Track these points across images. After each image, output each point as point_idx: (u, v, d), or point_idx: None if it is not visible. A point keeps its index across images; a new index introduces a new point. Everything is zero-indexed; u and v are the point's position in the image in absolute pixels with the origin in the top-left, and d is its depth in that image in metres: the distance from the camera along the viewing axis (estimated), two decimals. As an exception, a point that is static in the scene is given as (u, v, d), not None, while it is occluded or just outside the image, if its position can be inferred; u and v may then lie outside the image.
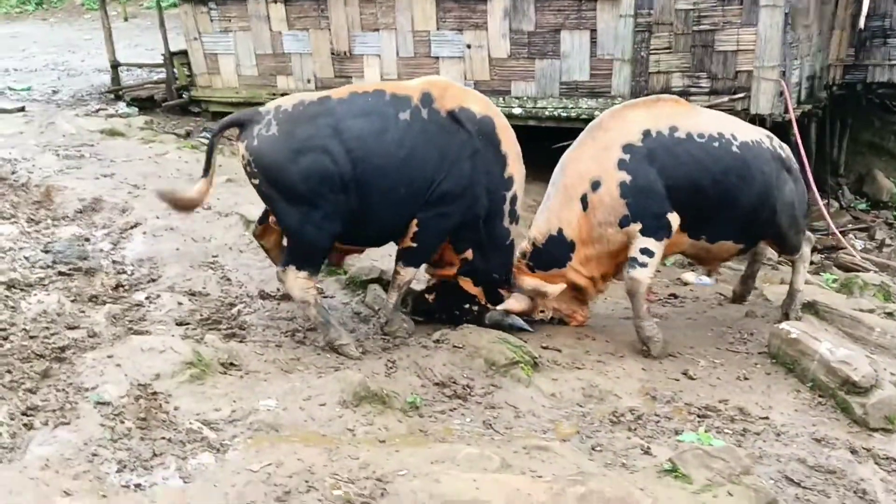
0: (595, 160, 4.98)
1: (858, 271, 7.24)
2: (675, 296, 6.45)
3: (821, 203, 7.13)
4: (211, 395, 3.88)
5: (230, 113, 10.37)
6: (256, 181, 4.48)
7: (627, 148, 4.93)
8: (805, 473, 3.75)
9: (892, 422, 4.26)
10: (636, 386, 4.64)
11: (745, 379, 4.79)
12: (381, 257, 6.27)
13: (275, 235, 4.95)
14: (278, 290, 5.24)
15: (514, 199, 4.98)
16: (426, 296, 5.37)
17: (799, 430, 4.17)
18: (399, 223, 4.75)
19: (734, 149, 5.04)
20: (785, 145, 5.55)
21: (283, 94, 9.70)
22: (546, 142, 7.65)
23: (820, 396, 4.54)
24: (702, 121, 5.13)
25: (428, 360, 4.64)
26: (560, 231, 5.06)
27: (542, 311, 5.39)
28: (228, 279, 5.51)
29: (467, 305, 5.25)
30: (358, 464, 3.31)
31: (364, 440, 3.64)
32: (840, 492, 3.66)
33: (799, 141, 7.70)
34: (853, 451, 3.98)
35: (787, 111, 7.79)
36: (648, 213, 4.93)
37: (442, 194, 4.68)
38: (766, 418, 4.30)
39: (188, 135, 9.79)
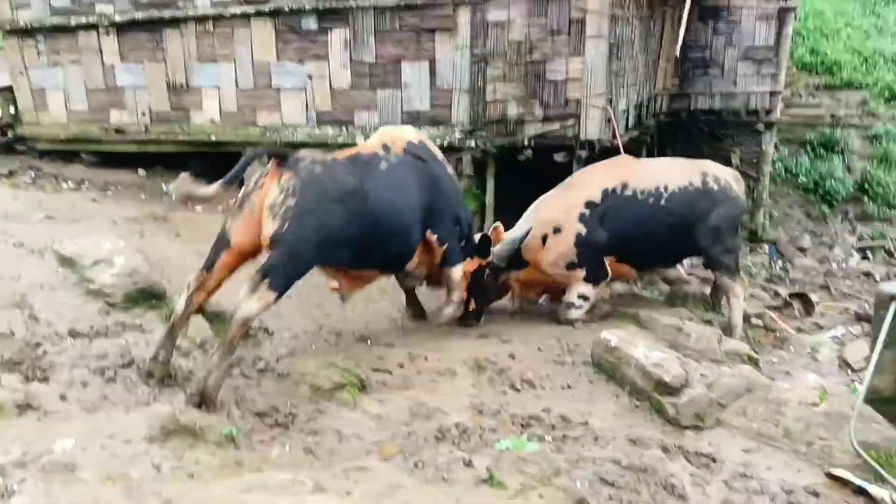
0: (564, 211, 6.37)
1: (683, 285, 7.63)
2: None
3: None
4: (1, 439, 3.58)
5: (59, 151, 10.26)
6: (291, 202, 4.68)
7: (590, 205, 6.38)
8: (619, 473, 3.85)
9: (702, 419, 4.48)
10: (464, 402, 4.67)
11: (569, 388, 4.93)
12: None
13: (205, 294, 4.85)
14: (92, 327, 4.96)
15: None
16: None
17: (616, 433, 4.30)
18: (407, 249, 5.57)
19: (662, 202, 6.44)
20: (719, 176, 6.76)
21: (116, 130, 9.68)
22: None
23: (637, 400, 4.74)
24: (645, 176, 6.56)
25: (249, 389, 4.52)
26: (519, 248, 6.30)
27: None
28: (36, 318, 5.15)
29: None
30: (160, 500, 3.13)
31: (171, 476, 3.46)
32: (651, 488, 3.78)
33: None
34: (665, 450, 4.14)
35: (614, 137, 8.20)
36: (590, 263, 6.36)
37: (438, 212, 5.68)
38: (586, 423, 4.41)
39: (11, 174, 9.22)
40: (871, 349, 4.54)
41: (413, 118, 8.39)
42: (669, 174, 6.62)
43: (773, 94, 11.29)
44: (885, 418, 4.46)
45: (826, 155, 14.26)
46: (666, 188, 6.48)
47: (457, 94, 8.30)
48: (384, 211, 5.18)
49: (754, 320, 7.29)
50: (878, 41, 18.47)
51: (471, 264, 6.11)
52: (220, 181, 4.75)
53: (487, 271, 6.27)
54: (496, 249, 6.23)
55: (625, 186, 6.44)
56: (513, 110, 8.18)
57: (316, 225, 4.75)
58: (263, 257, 4.65)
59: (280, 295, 4.60)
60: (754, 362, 5.73)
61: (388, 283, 7.36)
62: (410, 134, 5.80)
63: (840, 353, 6.31)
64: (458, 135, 8.30)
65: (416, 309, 6.39)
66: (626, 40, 8.67)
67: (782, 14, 11.25)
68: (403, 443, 4.10)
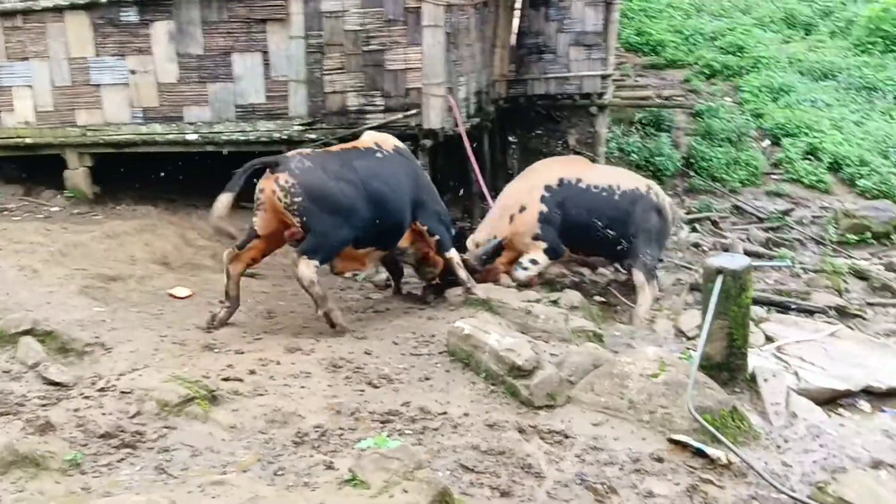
0: (527, 191, 7.47)
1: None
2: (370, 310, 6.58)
3: (490, 200, 7.78)
4: None
5: None
6: (299, 199, 5.76)
7: (548, 188, 7.48)
8: (478, 459, 3.91)
9: (553, 398, 4.62)
10: (321, 403, 4.57)
11: (427, 379, 4.94)
12: (37, 307, 5.65)
13: (242, 264, 6.12)
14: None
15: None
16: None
17: (474, 420, 4.36)
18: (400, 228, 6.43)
19: (616, 197, 7.61)
20: (661, 193, 8.08)
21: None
22: (228, 167, 7.43)
23: (492, 385, 4.81)
24: (599, 175, 7.76)
25: (91, 411, 4.21)
26: (495, 237, 7.44)
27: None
28: None
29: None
30: (4, 536, 2.87)
31: (14, 509, 3.18)
32: (509, 469, 3.86)
33: (470, 153, 8.24)
34: (521, 431, 4.24)
35: (457, 125, 8.29)
36: (550, 237, 7.49)
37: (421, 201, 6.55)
38: (445, 413, 4.44)
39: None
40: (703, 319, 4.85)
41: (247, 112, 8.15)
42: (621, 178, 7.94)
43: (603, 77, 11.81)
44: (718, 383, 4.80)
45: (655, 133, 15.15)
46: (619, 187, 7.67)
47: (293, 85, 8.12)
48: (382, 189, 6.12)
49: (597, 297, 7.63)
50: (698, 20, 19.80)
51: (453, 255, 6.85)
52: (226, 194, 5.74)
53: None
54: (474, 255, 7.17)
55: (579, 180, 7.56)
56: (353, 101, 8.10)
57: (329, 209, 5.84)
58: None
59: (322, 262, 5.98)
60: (599, 338, 5.97)
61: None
62: (395, 139, 6.73)
63: (675, 322, 6.72)
64: (296, 128, 8.11)
65: (399, 286, 7.25)
66: (463, 28, 8.78)
67: (609, 0, 11.76)
68: (261, 451, 3.97)
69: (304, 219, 5.84)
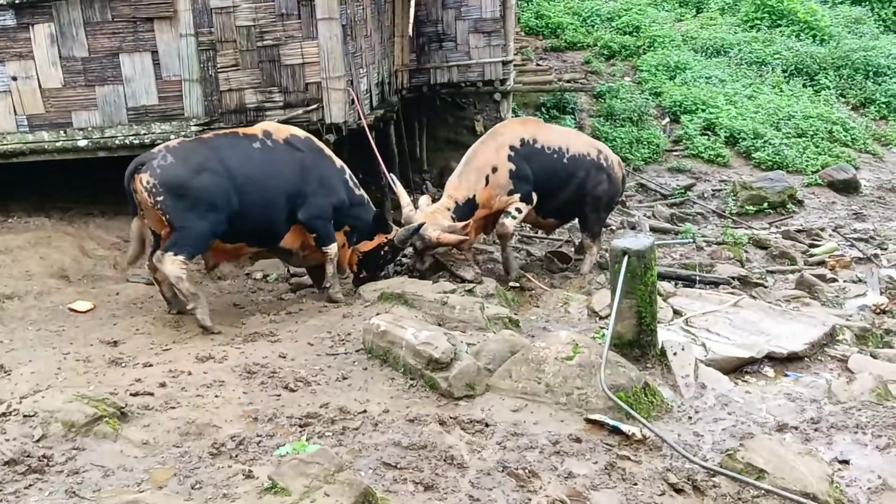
0: (495, 153, 7.67)
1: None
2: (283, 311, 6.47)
3: (402, 196, 7.71)
4: None
5: None
6: (160, 197, 5.79)
7: (512, 148, 7.73)
8: (401, 455, 3.89)
9: (472, 388, 4.64)
10: (237, 412, 4.46)
11: (345, 379, 4.89)
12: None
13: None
14: None
15: (350, 176, 6.94)
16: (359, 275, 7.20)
17: (394, 416, 4.35)
18: (272, 223, 6.36)
19: (565, 160, 8.02)
20: (610, 155, 8.61)
21: None
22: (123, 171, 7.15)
23: (411, 379, 4.80)
24: (551, 136, 8.12)
25: (-8, 438, 3.99)
26: (474, 197, 7.61)
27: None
28: None
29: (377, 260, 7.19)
30: None
31: None
32: (432, 463, 3.86)
33: (373, 145, 8.18)
34: (442, 423, 4.25)
35: (360, 118, 8.21)
36: (523, 189, 7.73)
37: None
38: (365, 412, 4.40)
39: None
40: (612, 300, 4.96)
41: (140, 114, 7.85)
42: (571, 140, 8.27)
43: (504, 63, 11.92)
44: (630, 360, 4.93)
45: (559, 116, 15.41)
46: (568, 149, 8.05)
47: (187, 84, 7.86)
48: (249, 180, 6.06)
49: (512, 283, 7.72)
50: (594, 2, 20.19)
51: (369, 244, 7.05)
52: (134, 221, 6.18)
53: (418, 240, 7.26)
54: (398, 236, 7.12)
55: (535, 140, 7.87)
56: (251, 98, 7.91)
57: (190, 203, 5.83)
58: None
59: (188, 258, 5.97)
60: (515, 324, 6.03)
61: (141, 294, 6.92)
62: (297, 131, 6.71)
63: (587, 303, 6.85)
64: (193, 128, 7.85)
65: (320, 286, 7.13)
66: (360, 20, 8.69)
67: (505, -14, 11.85)
68: (177, 466, 3.84)
69: (168, 216, 5.91)
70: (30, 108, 7.93)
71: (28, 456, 3.86)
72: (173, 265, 5.87)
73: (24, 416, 4.13)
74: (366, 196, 7.09)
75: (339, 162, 6.86)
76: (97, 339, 5.71)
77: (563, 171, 8.02)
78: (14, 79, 7.83)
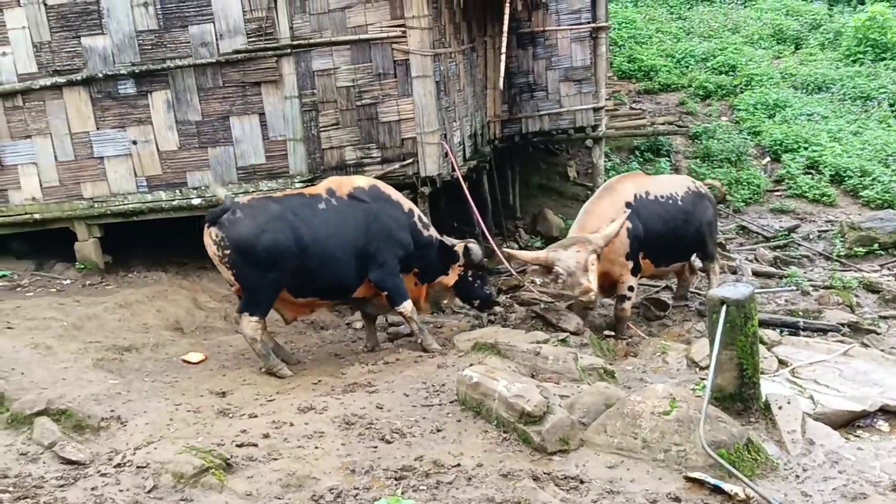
0: (611, 208, 7.51)
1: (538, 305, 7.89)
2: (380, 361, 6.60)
3: (495, 246, 7.78)
4: None
5: None
6: (228, 251, 6.05)
7: (629, 204, 7.62)
8: (494, 511, 3.91)
9: (566, 442, 4.61)
10: (335, 463, 4.57)
11: (439, 431, 4.93)
12: (52, 384, 5.71)
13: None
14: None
15: (419, 218, 6.91)
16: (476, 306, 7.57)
17: (488, 470, 4.35)
18: (340, 279, 6.46)
19: (679, 202, 8.12)
20: (697, 182, 8.81)
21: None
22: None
23: (505, 432, 4.79)
24: (659, 185, 8.17)
25: (108, 488, 4.24)
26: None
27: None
28: None
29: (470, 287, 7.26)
30: None
31: None
32: (506, 522, 3.85)
33: (467, 195, 8.31)
34: (535, 478, 4.23)
35: (454, 170, 8.38)
36: (634, 256, 7.66)
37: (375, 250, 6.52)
38: (458, 465, 4.43)
39: None
40: (710, 352, 4.85)
41: (248, 173, 8.26)
42: (673, 183, 8.46)
43: (596, 110, 11.94)
44: (732, 414, 4.78)
45: (654, 159, 15.23)
46: (677, 192, 8.20)
47: (291, 144, 8.25)
48: (314, 239, 6.18)
49: (607, 332, 7.63)
50: (688, 43, 20.00)
51: (448, 278, 7.10)
52: None
53: None
54: (472, 255, 7.00)
55: (648, 192, 7.90)
56: (351, 155, 8.22)
57: (257, 259, 6.00)
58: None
59: (261, 317, 6.18)
60: (610, 374, 5.95)
61: (244, 345, 7.21)
62: (361, 181, 6.72)
63: (686, 352, 6.69)
64: (298, 185, 8.20)
65: (372, 339, 7.19)
66: (452, 75, 8.93)
67: (595, 34, 11.94)
68: (277, 518, 3.98)
69: (235, 271, 6.13)
70: (148, 170, 8.50)
71: (140, 507, 4.08)
72: (248, 326, 6.15)
73: (138, 466, 4.37)
74: (435, 236, 7.02)
75: (407, 205, 6.85)
76: (207, 389, 5.95)
77: (680, 214, 8.06)
78: (134, 143, 8.42)
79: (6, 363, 6.06)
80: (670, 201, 8.06)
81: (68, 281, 8.88)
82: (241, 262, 6.10)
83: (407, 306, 6.73)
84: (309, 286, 6.42)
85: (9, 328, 6.92)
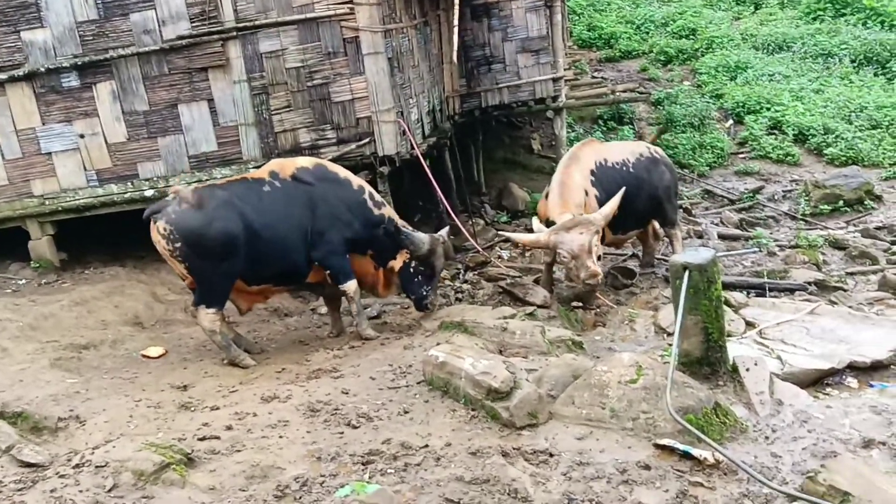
0: (581, 176, 7.59)
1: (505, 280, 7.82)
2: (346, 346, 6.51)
3: (460, 225, 7.67)
4: None
5: None
6: (178, 244, 5.86)
7: (593, 173, 7.73)
8: (463, 490, 3.84)
9: (535, 416, 4.55)
10: (301, 451, 4.47)
11: (406, 413, 4.84)
12: (9, 387, 5.56)
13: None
14: None
15: (370, 195, 6.59)
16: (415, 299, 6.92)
17: (457, 450, 4.28)
18: (291, 264, 6.31)
19: (631, 170, 8.11)
20: (654, 148, 8.91)
21: None
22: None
23: (472, 410, 4.73)
24: (615, 153, 8.24)
25: (68, 489, 4.11)
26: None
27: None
28: None
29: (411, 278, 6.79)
30: None
31: None
32: (495, 497, 3.80)
33: (429, 173, 8.19)
34: (505, 454, 4.17)
35: (413, 148, 8.24)
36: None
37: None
38: (426, 446, 4.35)
39: None
40: (675, 318, 4.80)
41: (201, 161, 8.07)
42: (626, 150, 8.46)
43: (555, 80, 11.83)
44: (700, 379, 4.75)
45: (618, 127, 15.20)
46: (629, 159, 8.21)
47: (243, 129, 8.06)
48: (261, 224, 6.02)
49: (575, 302, 7.57)
50: (647, 8, 19.95)
51: (396, 262, 6.72)
52: None
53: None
54: (416, 244, 6.62)
55: (605, 160, 7.95)
56: (305, 137, 8.05)
57: (208, 250, 5.85)
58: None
59: (218, 309, 6.05)
60: (578, 345, 5.91)
61: (205, 337, 7.07)
62: (304, 161, 6.57)
63: (654, 319, 6.67)
64: (252, 171, 8.02)
65: (338, 325, 6.97)
66: (405, 51, 8.76)
67: (550, 3, 11.80)
68: (241, 510, 3.88)
69: (187, 264, 6.00)
70: (98, 163, 8.24)
71: (100, 507, 3.96)
72: (206, 319, 6.03)
73: (97, 466, 4.23)
74: (388, 216, 6.70)
75: (356, 183, 6.60)
76: (168, 384, 5.82)
77: (633, 180, 7.97)
78: (82, 136, 8.16)
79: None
80: (623, 168, 8.05)
81: (24, 281, 8.65)
82: (192, 254, 5.93)
83: (350, 286, 6.51)
84: (261, 273, 6.27)
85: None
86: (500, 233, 7.92)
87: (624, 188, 7.37)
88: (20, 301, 7.82)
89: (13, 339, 6.70)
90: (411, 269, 6.73)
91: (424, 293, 6.79)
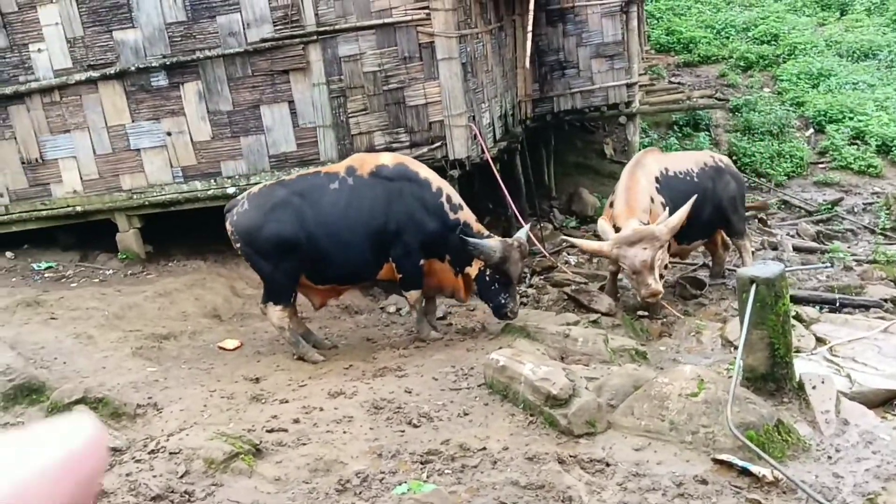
0: (647, 184, 7.50)
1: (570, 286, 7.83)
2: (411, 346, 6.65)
3: (527, 229, 7.69)
4: None
5: None
6: (239, 244, 6.18)
7: (657, 180, 7.64)
8: (518, 495, 3.91)
9: (593, 425, 4.58)
10: (363, 447, 4.62)
11: (466, 414, 4.95)
12: (93, 373, 5.88)
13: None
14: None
15: (448, 198, 6.37)
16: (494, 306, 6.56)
17: (513, 454, 4.35)
18: (357, 263, 6.28)
19: (695, 179, 8.01)
20: (719, 156, 8.85)
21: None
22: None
23: (531, 416, 4.79)
24: (678, 162, 8.16)
25: (143, 473, 4.36)
26: (648, 223, 7.15)
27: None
28: None
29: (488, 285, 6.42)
30: None
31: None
32: (549, 504, 3.86)
33: (498, 177, 8.27)
34: (561, 462, 4.22)
35: (483, 152, 8.34)
36: None
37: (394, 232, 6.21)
38: (484, 449, 4.43)
39: None
40: (740, 332, 4.77)
41: (281, 161, 8.33)
42: (689, 160, 8.38)
43: (629, 86, 11.73)
44: (764, 395, 4.71)
45: (693, 133, 14.94)
46: (693, 168, 8.16)
47: (321, 131, 8.29)
48: (326, 222, 6.03)
49: (641, 311, 7.55)
50: (728, 13, 19.51)
51: (471, 269, 6.38)
52: None
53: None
54: (486, 250, 6.21)
55: (668, 169, 7.89)
56: (379, 140, 8.23)
57: (264, 250, 6.03)
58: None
59: (285, 306, 6.21)
60: (642, 355, 5.90)
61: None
62: (386, 158, 6.42)
63: (721, 331, 6.59)
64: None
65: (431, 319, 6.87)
66: (479, 56, 8.86)
67: (626, 8, 11.71)
68: (305, 502, 4.04)
69: (250, 262, 6.27)
70: (183, 160, 8.62)
71: (172, 492, 4.16)
72: (274, 315, 6.22)
73: (170, 453, 4.47)
74: (463, 219, 6.38)
75: (436, 184, 6.36)
76: (241, 375, 6.06)
77: (698, 189, 7.83)
78: (169, 134, 8.55)
79: (49, 353, 6.25)
80: (687, 178, 7.98)
81: (111, 271, 9.10)
82: (251, 253, 6.18)
83: (413, 295, 6.51)
84: (324, 272, 6.32)
85: (52, 318, 7.12)
86: (565, 238, 7.85)
87: (694, 197, 7.23)
88: (106, 291, 8.23)
89: (98, 328, 7.06)
90: (487, 277, 6.36)
91: (503, 301, 6.36)
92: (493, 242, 6.26)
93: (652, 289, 6.68)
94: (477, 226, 6.48)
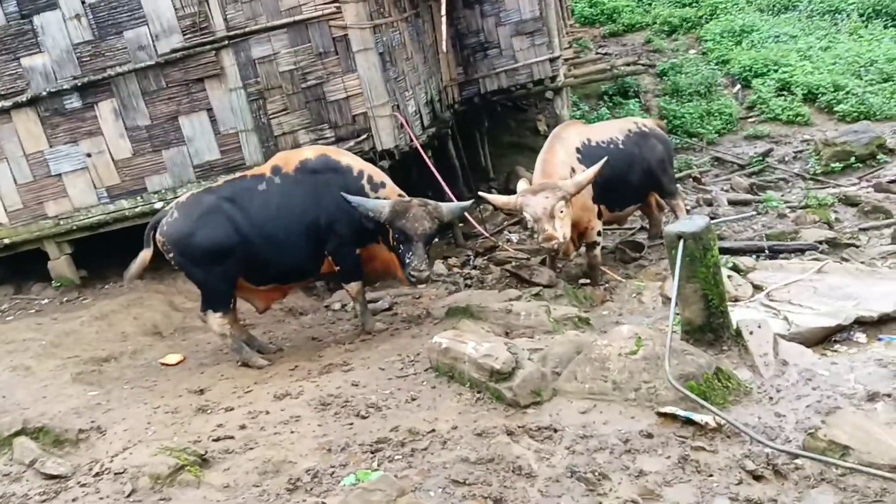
0: (567, 157, 7.51)
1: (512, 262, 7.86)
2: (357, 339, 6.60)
3: (466, 214, 7.71)
4: None
5: None
6: (171, 255, 6.07)
7: (578, 150, 7.64)
8: (469, 470, 3.90)
9: (538, 394, 4.60)
10: (312, 445, 4.57)
11: (414, 400, 4.93)
12: (33, 403, 5.73)
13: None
14: None
15: (370, 178, 6.29)
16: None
17: (462, 432, 4.35)
18: (296, 260, 6.23)
19: (621, 146, 8.03)
20: (643, 121, 8.87)
21: None
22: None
23: (478, 393, 4.79)
24: (599, 132, 8.18)
25: (89, 497, 4.26)
26: None
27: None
28: None
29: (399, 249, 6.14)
30: None
31: None
32: (500, 476, 3.85)
33: (430, 163, 8.24)
34: (509, 433, 4.23)
35: (412, 140, 8.30)
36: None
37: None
38: (433, 431, 4.42)
39: None
40: (672, 287, 4.82)
41: (206, 170, 8.19)
42: (612, 128, 8.42)
43: (552, 60, 11.78)
44: (704, 345, 4.77)
45: (623, 101, 15.11)
46: (618, 136, 8.14)
47: (243, 135, 8.18)
48: (255, 226, 6.00)
49: (582, 280, 7.61)
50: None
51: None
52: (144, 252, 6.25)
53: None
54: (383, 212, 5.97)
55: (590, 139, 7.89)
56: (304, 138, 8.14)
57: (197, 258, 6.00)
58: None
59: (225, 312, 6.17)
60: (585, 322, 5.95)
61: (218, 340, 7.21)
62: (308, 152, 6.42)
63: (661, 290, 6.67)
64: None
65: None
66: (397, 45, 8.81)
67: (542, -17, 11.74)
68: (256, 505, 3.99)
69: (184, 271, 6.27)
70: (107, 181, 8.43)
71: (120, 512, 4.10)
72: (214, 322, 6.18)
73: (115, 473, 4.38)
74: (384, 196, 6.23)
75: (357, 168, 6.29)
76: (185, 389, 5.94)
77: (624, 156, 7.92)
78: (88, 155, 8.34)
79: (-21, 390, 6.07)
80: (611, 146, 7.96)
81: (46, 300, 8.87)
82: (184, 262, 6.13)
83: (354, 287, 6.48)
84: (264, 273, 6.28)
85: (-16, 352, 6.91)
86: (480, 195, 7.74)
87: (605, 159, 7.18)
88: (42, 320, 8.02)
89: (36, 358, 6.87)
90: (392, 240, 6.12)
91: (406, 261, 6.00)
92: (381, 201, 6.05)
93: (547, 233, 6.67)
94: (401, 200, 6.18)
